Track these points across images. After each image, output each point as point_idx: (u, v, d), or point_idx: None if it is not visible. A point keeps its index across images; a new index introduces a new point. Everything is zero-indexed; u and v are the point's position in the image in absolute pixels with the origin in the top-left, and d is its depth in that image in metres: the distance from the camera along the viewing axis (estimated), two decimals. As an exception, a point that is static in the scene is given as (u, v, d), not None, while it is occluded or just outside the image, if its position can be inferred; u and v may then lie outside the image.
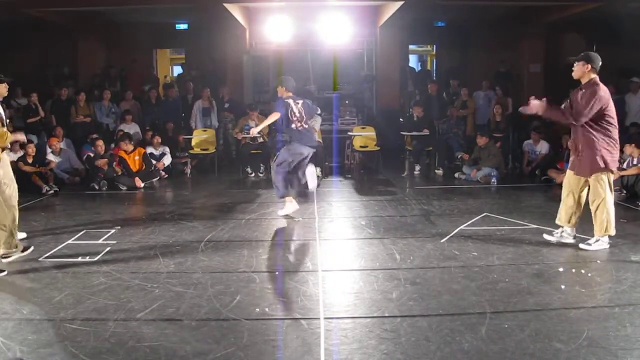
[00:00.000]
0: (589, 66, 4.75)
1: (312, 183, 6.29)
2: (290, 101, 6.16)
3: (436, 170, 9.63)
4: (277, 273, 4.47)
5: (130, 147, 8.78)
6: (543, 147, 9.22)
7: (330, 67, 11.54)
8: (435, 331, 3.28)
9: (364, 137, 10.12)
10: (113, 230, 5.78)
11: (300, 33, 10.90)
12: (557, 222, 5.10)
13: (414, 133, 9.60)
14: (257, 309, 3.65)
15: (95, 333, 3.28)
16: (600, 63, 4.79)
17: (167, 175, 9.30)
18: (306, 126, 6.23)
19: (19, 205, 4.98)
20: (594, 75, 4.76)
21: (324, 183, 8.80)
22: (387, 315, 3.55)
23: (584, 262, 4.58)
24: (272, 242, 5.46)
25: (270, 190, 7.83)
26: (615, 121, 4.80)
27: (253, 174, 9.41)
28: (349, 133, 10.17)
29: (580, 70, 4.80)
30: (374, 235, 5.52)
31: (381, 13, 11.79)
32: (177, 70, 16.64)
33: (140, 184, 8.37)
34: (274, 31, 10.40)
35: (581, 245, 4.90)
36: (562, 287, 4.00)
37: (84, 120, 10.26)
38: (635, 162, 7.30)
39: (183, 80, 13.04)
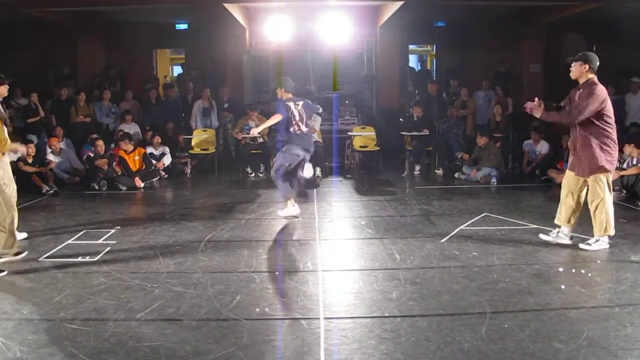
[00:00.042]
0: (587, 66, 4.76)
1: (308, 173, 6.24)
2: (291, 104, 6.15)
3: (436, 170, 9.63)
4: (277, 273, 4.47)
5: (130, 147, 8.78)
6: (543, 147, 9.22)
7: (330, 67, 11.54)
8: (435, 331, 3.28)
9: (364, 137, 10.12)
10: (113, 230, 5.78)
11: (300, 33, 10.90)
12: (556, 222, 5.10)
13: (414, 133, 9.60)
14: (257, 309, 3.65)
15: (95, 333, 3.28)
16: (598, 63, 4.80)
17: (167, 175, 9.30)
18: (305, 129, 6.22)
19: (19, 205, 4.99)
20: (592, 75, 4.77)
21: (324, 183, 8.81)
22: (387, 315, 3.55)
23: (584, 262, 4.58)
24: (272, 242, 5.45)
25: (270, 190, 7.84)
26: (613, 121, 4.81)
27: (253, 174, 9.41)
28: (349, 133, 10.17)
29: (578, 71, 4.81)
30: (374, 235, 5.52)
31: (381, 13, 11.79)
32: (177, 70, 16.64)
33: (140, 184, 8.37)
34: (274, 31, 10.41)
35: (581, 245, 4.90)
36: (562, 287, 3.99)
37: (84, 120, 10.26)
38: (634, 162, 7.30)
39: (183, 80, 13.04)
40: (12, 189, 5.25)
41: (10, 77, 5.92)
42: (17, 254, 4.75)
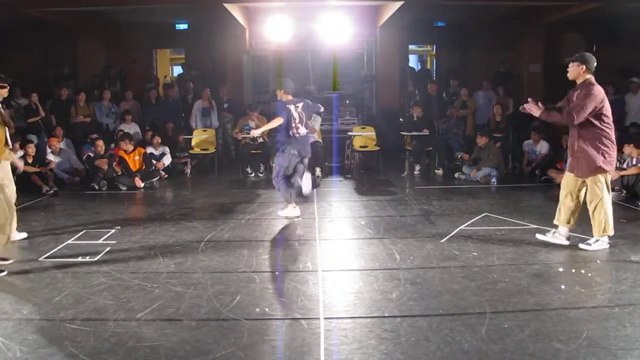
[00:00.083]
0: (584, 67, 4.76)
1: (306, 188, 6.19)
2: (291, 106, 6.14)
3: (436, 170, 9.63)
4: (277, 273, 4.48)
5: (130, 147, 8.78)
6: (543, 147, 9.22)
7: (330, 67, 11.53)
8: (435, 331, 3.28)
9: (364, 137, 10.12)
10: (113, 230, 5.78)
11: (300, 33, 10.90)
12: (555, 222, 5.09)
13: (414, 133, 9.60)
14: (257, 309, 3.65)
15: (95, 333, 3.28)
16: (595, 64, 4.80)
17: (167, 175, 9.30)
18: (303, 132, 6.22)
19: (19, 205, 4.99)
20: (589, 76, 4.78)
21: (324, 183, 8.81)
22: (387, 315, 3.55)
23: (584, 262, 4.58)
24: (272, 242, 5.45)
25: (270, 190, 7.83)
26: (611, 121, 4.81)
27: (253, 174, 9.42)
28: (349, 133, 10.17)
29: (575, 71, 4.81)
30: (374, 235, 5.52)
31: (381, 13, 11.79)
32: (177, 70, 16.64)
33: (140, 184, 8.37)
34: (274, 31, 10.40)
35: (581, 245, 4.90)
36: (562, 287, 3.99)
37: (84, 120, 10.26)
38: (634, 162, 7.30)
39: (183, 80, 13.04)
40: (11, 189, 5.25)
41: (10, 77, 5.92)
42: (3, 259, 4.62)
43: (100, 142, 8.89)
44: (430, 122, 9.91)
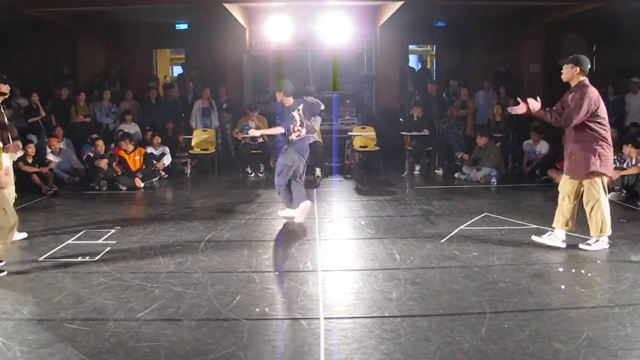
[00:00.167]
0: (578, 69, 4.77)
1: (298, 219, 6.03)
2: (295, 113, 6.13)
3: (436, 170, 9.63)
4: (277, 273, 4.48)
5: (130, 147, 8.78)
6: (543, 147, 9.22)
7: (330, 67, 11.53)
8: (435, 331, 3.28)
9: (364, 137, 10.12)
10: (113, 230, 5.78)
11: (300, 33, 10.89)
12: (554, 225, 5.07)
13: (414, 133, 9.60)
14: (257, 309, 3.65)
15: (95, 333, 3.28)
16: (589, 65, 4.82)
17: (167, 175, 9.30)
18: (303, 134, 6.22)
19: (19, 205, 4.99)
20: (583, 78, 4.78)
21: (324, 183, 8.81)
22: (387, 315, 3.55)
23: (584, 262, 4.58)
24: (272, 242, 5.46)
25: (270, 190, 7.84)
26: (607, 122, 4.81)
27: (253, 174, 9.41)
28: (349, 133, 10.17)
29: (569, 73, 4.82)
30: (374, 235, 5.52)
31: (381, 13, 11.79)
32: (177, 70, 16.64)
33: (140, 184, 8.37)
34: (274, 31, 10.40)
35: (581, 246, 4.90)
36: (562, 287, 4.00)
37: (84, 120, 10.26)
38: (634, 162, 7.29)
39: (183, 80, 13.04)
40: (10, 190, 5.25)
41: (10, 77, 5.91)
42: None
43: (100, 142, 8.89)
44: (430, 122, 9.91)
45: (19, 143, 5.65)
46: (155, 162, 9.09)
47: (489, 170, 8.67)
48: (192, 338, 3.23)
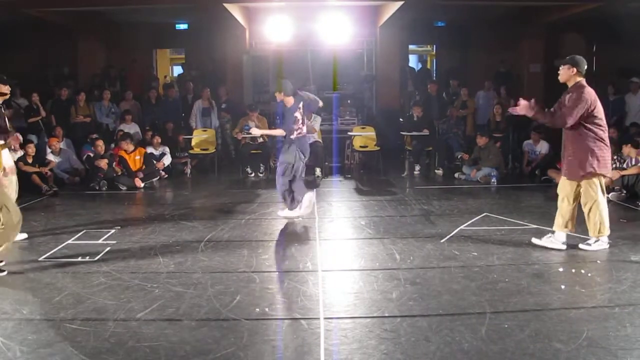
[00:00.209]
0: (575, 69, 4.77)
1: (305, 211, 6.11)
2: (297, 113, 6.14)
3: (436, 170, 9.63)
4: (277, 273, 4.48)
5: (131, 147, 8.78)
6: (543, 147, 9.22)
7: (330, 67, 11.53)
8: (435, 331, 3.28)
9: (364, 137, 10.12)
10: (113, 230, 5.78)
11: (300, 33, 10.89)
12: (554, 227, 5.05)
13: (414, 133, 9.60)
14: (257, 309, 3.65)
15: (95, 333, 3.28)
16: (586, 66, 4.81)
17: (167, 175, 9.29)
18: (303, 131, 6.23)
19: (18, 205, 4.97)
20: (580, 79, 4.78)
21: (324, 183, 8.81)
22: (387, 315, 3.55)
23: (584, 262, 4.58)
24: (272, 242, 5.46)
25: (270, 190, 7.84)
26: (604, 122, 4.81)
27: (253, 174, 9.41)
28: (349, 133, 10.17)
29: (566, 74, 4.83)
30: (374, 235, 5.52)
31: (381, 13, 11.78)
32: (177, 70, 16.64)
33: (140, 184, 8.37)
34: (274, 31, 10.40)
35: (581, 246, 4.90)
36: (562, 287, 4.00)
37: (84, 120, 10.26)
38: (634, 162, 7.29)
39: (183, 80, 13.04)
40: (11, 191, 5.26)
41: (10, 77, 5.91)
42: None
43: (100, 142, 8.88)
44: (430, 122, 9.91)
45: (18, 135, 5.63)
46: (155, 162, 9.09)
47: (489, 170, 8.67)
48: (192, 338, 3.23)
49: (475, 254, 4.82)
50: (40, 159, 8.42)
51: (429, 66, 16.76)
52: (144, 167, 8.75)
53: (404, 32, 12.45)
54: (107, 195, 8.13)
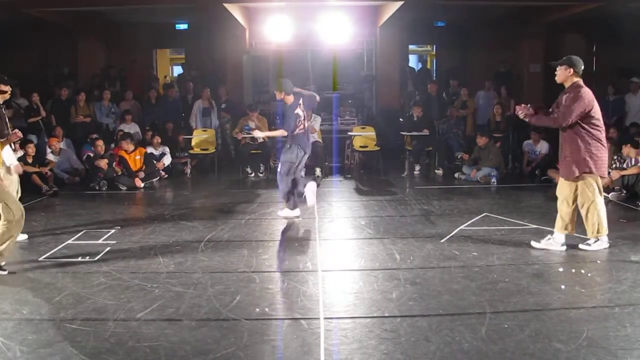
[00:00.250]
0: (572, 70, 4.77)
1: (310, 200, 6.15)
2: (298, 110, 6.15)
3: (436, 170, 9.63)
4: (277, 273, 4.48)
5: (131, 147, 8.78)
6: (543, 147, 9.22)
7: (330, 67, 11.53)
8: (435, 331, 3.28)
9: (364, 137, 10.12)
10: (113, 230, 5.78)
11: (300, 33, 10.89)
12: (555, 230, 5.05)
13: (414, 133, 9.60)
14: (257, 309, 3.65)
15: (95, 333, 3.28)
16: (583, 67, 4.81)
17: (167, 175, 9.29)
18: (305, 126, 6.25)
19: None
20: (577, 79, 4.78)
21: (324, 183, 8.80)
22: (387, 315, 3.55)
23: (584, 262, 4.58)
24: (272, 242, 5.46)
25: (270, 190, 7.84)
26: (601, 123, 4.80)
27: (253, 174, 9.41)
28: (349, 133, 10.17)
29: (563, 75, 4.83)
30: (374, 235, 5.52)
31: (381, 13, 11.78)
32: (177, 70, 16.64)
33: (140, 184, 8.37)
34: (274, 31, 10.40)
35: (581, 246, 4.89)
36: (562, 287, 4.00)
37: (84, 120, 10.26)
38: (634, 162, 7.29)
39: (183, 80, 13.04)
40: (12, 190, 5.26)
41: (10, 77, 5.91)
42: None
43: (100, 142, 8.88)
44: (430, 122, 9.91)
45: (18, 132, 5.63)
46: (155, 162, 9.09)
47: (489, 170, 8.66)
48: (192, 338, 3.23)
49: (475, 254, 4.82)
50: (40, 159, 8.41)
51: (429, 66, 16.77)
52: (144, 167, 8.75)
53: (404, 32, 12.46)
54: (107, 195, 8.13)
